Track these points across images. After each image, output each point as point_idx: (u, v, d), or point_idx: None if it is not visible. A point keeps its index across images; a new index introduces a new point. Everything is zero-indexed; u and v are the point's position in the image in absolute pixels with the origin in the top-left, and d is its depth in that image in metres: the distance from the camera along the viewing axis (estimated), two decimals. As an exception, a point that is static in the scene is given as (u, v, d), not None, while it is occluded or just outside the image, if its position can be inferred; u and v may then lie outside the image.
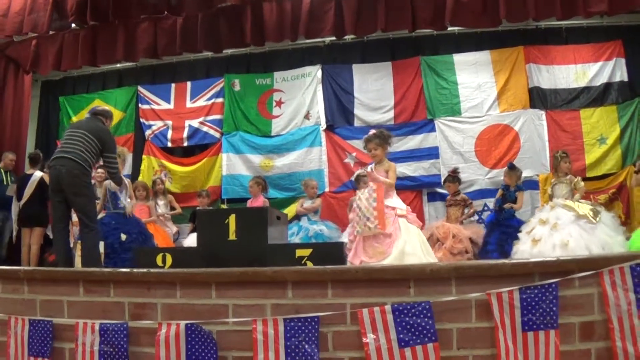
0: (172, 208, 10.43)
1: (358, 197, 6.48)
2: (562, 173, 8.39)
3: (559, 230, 7.54)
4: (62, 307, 3.67)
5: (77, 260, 6.84)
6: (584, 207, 7.76)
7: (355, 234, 6.27)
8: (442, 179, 9.82)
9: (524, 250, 7.64)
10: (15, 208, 9.87)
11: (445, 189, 9.56)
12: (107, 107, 8.29)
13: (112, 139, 7.22)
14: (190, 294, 3.44)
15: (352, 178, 9.76)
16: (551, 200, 8.30)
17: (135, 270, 3.64)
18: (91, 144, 6.76)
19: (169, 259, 5.04)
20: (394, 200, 6.62)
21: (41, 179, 9.58)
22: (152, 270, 3.68)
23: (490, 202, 9.53)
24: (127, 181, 8.51)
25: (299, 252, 4.77)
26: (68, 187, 6.56)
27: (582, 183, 8.34)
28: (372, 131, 7.04)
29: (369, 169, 7.02)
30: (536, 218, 8.06)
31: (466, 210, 9.34)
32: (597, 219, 7.54)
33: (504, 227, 8.67)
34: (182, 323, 3.34)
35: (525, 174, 9.23)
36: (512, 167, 9.04)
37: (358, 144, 10.26)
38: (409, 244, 6.22)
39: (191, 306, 3.41)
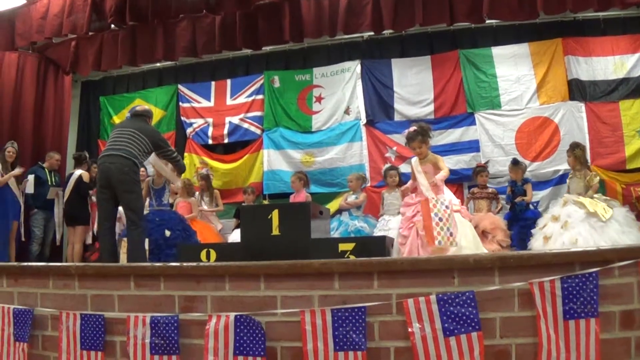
0: (217, 205, 10.47)
1: (432, 203, 6.26)
2: (579, 167, 8.31)
3: (569, 229, 7.50)
4: (112, 301, 3.73)
5: (122, 257, 6.91)
6: (596, 204, 7.67)
7: (437, 244, 6.08)
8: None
9: (537, 247, 7.62)
10: (58, 208, 10.05)
11: (477, 181, 9.45)
12: (146, 106, 8.38)
13: (160, 134, 7.43)
14: (239, 286, 3.48)
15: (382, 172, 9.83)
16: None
17: (185, 264, 3.68)
18: (141, 142, 6.84)
19: (213, 255, 5.27)
20: (446, 195, 6.64)
21: (79, 178, 9.79)
22: (201, 264, 3.72)
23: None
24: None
25: (342, 246, 4.93)
26: (118, 184, 6.61)
27: (597, 179, 8.27)
28: (411, 128, 7.04)
29: (413, 161, 7.05)
30: (549, 213, 8.05)
31: (494, 204, 9.29)
32: (608, 216, 7.46)
33: (522, 221, 8.76)
34: (232, 315, 3.39)
35: (566, 166, 9.14)
36: (515, 163, 9.17)
37: (399, 138, 10.32)
38: (464, 237, 6.30)
39: (240, 298, 3.45)
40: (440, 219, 6.08)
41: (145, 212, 8.12)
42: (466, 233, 6.40)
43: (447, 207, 6.17)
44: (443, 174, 6.69)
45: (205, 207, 10.23)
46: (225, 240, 9.80)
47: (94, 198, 9.25)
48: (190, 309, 3.55)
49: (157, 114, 11.64)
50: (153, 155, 7.23)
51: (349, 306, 3.24)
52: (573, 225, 7.51)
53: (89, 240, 10.04)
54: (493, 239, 8.49)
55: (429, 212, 6.12)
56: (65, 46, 11.12)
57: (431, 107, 10.62)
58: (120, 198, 6.69)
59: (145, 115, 7.33)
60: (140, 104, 10.85)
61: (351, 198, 9.74)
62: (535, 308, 3.08)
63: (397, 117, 10.80)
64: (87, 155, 10.34)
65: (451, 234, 6.10)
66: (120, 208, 7.03)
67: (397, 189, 9.24)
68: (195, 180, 10.69)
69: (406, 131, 7.18)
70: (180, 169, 7.66)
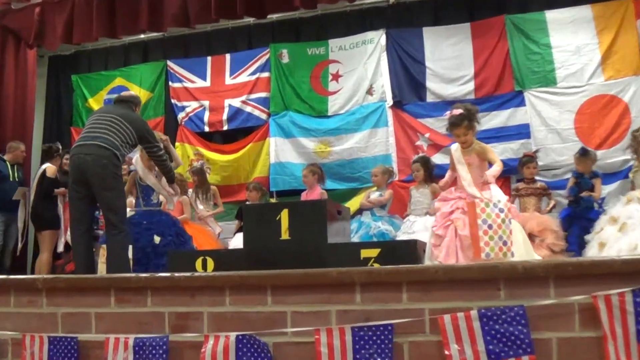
0: (214, 204, 10.51)
1: (481, 207, 6.08)
2: None
3: (628, 232, 7.43)
4: (89, 320, 3.74)
5: (101, 268, 6.99)
6: None
7: (484, 257, 5.95)
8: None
9: (592, 256, 7.46)
10: (22, 211, 10.12)
11: (523, 174, 9.38)
12: (133, 92, 8.41)
13: (148, 126, 7.43)
14: (241, 300, 3.50)
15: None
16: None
17: (177, 274, 3.70)
18: (125, 131, 6.85)
19: (211, 264, 5.29)
20: (494, 191, 6.59)
21: (43, 173, 9.81)
22: (196, 274, 3.78)
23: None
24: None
25: (365, 253, 4.97)
26: (94, 179, 6.58)
27: None
28: (456, 110, 6.94)
29: (453, 149, 7.00)
30: (608, 214, 7.95)
31: (544, 201, 9.20)
32: None
33: (584, 221, 8.60)
34: (233, 335, 3.39)
35: (637, 156, 9.09)
36: (584, 153, 9.05)
37: (432, 122, 10.46)
38: (514, 243, 6.14)
39: (243, 314, 3.47)
40: (490, 226, 5.95)
41: (131, 213, 8.12)
42: (516, 237, 6.29)
43: (501, 210, 6.01)
44: (496, 168, 6.57)
45: (201, 208, 10.29)
46: (225, 247, 9.84)
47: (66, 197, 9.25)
48: (183, 329, 3.56)
49: (143, 96, 11.62)
50: (141, 166, 7.33)
51: (373, 324, 3.25)
52: (633, 227, 7.44)
53: (61, 248, 10.02)
54: (542, 243, 8.44)
55: (476, 217, 6.00)
56: (28, 13, 11.03)
57: (471, 85, 10.60)
58: (98, 196, 6.68)
59: (132, 101, 7.36)
60: (122, 84, 10.86)
61: (374, 195, 9.75)
62: (600, 327, 3.05)
63: (429, 98, 10.80)
64: (60, 147, 10.32)
65: (504, 244, 5.96)
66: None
67: (427, 185, 9.31)
68: (188, 175, 10.75)
69: (448, 114, 7.09)
70: (166, 173, 7.64)
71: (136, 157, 8.31)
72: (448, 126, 7.03)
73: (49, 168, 9.91)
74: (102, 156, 6.61)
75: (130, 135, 6.87)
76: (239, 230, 9.84)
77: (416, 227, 8.79)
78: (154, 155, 7.32)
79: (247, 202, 10.18)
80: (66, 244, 9.87)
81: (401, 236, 8.86)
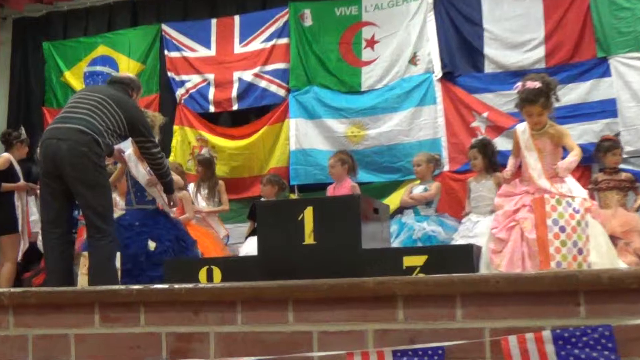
0: (218, 201, 10.54)
1: (551, 204, 5.97)
2: None
3: None
4: (67, 344, 3.70)
5: (82, 281, 6.95)
6: None
7: (554, 266, 5.75)
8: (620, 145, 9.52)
9: None
10: None
11: (604, 162, 9.35)
12: (132, 75, 8.33)
13: (146, 119, 7.43)
14: (256, 317, 3.46)
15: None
16: None
17: (177, 286, 3.65)
18: (113, 117, 6.82)
19: (218, 274, 5.28)
20: (571, 184, 6.59)
21: None
22: (201, 285, 3.77)
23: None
24: None
25: (408, 261, 4.94)
26: (71, 172, 6.54)
27: None
28: (530, 82, 6.88)
29: (520, 130, 7.00)
30: None
31: (630, 196, 9.13)
32: None
33: None
34: (246, 360, 3.45)
35: None
36: None
37: (491, 98, 10.54)
38: (594, 248, 6.09)
39: (258, 335, 3.44)
40: (563, 228, 5.77)
41: (120, 213, 8.28)
42: (597, 241, 6.32)
43: (576, 210, 5.84)
44: (572, 158, 6.63)
45: (203, 205, 10.33)
46: (235, 254, 9.95)
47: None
48: (186, 353, 3.53)
49: (132, 68, 11.84)
50: (135, 160, 7.46)
51: (420, 346, 3.20)
52: None
53: (19, 256, 10.06)
54: (627, 247, 8.41)
55: (545, 217, 5.81)
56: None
57: (541, 52, 10.59)
58: (75, 193, 6.67)
59: (129, 84, 7.38)
60: (106, 54, 11.13)
61: (419, 189, 9.86)
62: None
63: (488, 68, 10.86)
64: (22, 133, 10.37)
65: (579, 252, 5.80)
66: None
67: (489, 175, 9.29)
68: (190, 166, 11.03)
69: (518, 86, 7.06)
70: (163, 178, 7.62)
71: (129, 153, 8.28)
72: (518, 102, 7.02)
73: (4, 157, 9.99)
74: (80, 142, 6.54)
75: (119, 122, 6.85)
76: (251, 234, 9.98)
77: (479, 229, 8.75)
78: (147, 152, 7.31)
79: (262, 199, 10.23)
80: (27, 251, 10.02)
81: (459, 240, 8.89)
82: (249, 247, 9.53)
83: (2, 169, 9.87)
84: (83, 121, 6.63)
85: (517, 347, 3.12)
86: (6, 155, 10.02)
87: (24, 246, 10.01)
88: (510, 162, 7.29)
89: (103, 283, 6.27)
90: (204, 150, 11.06)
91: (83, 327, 3.69)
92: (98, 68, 12.41)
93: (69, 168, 6.54)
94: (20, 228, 9.93)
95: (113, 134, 6.83)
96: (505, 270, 6.30)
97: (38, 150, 7.04)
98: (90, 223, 6.70)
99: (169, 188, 7.68)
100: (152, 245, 7.91)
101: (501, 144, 9.80)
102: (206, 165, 10.60)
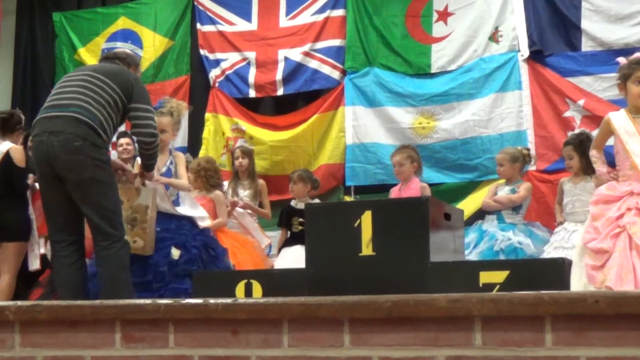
0: (260, 204, 10.36)
1: None
2: None
3: None
4: None
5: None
6: None
7: None
8: None
9: None
10: None
11: None
12: (129, 51, 8.32)
13: (145, 89, 7.13)
14: (306, 339, 3.27)
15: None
16: None
17: (212, 300, 3.41)
18: (112, 97, 6.54)
19: (258, 290, 5.30)
20: None
21: (6, 157, 9.21)
22: (241, 300, 3.64)
23: None
24: (180, 156, 8.37)
25: (486, 277, 4.89)
26: (66, 173, 6.32)
27: None
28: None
29: (612, 118, 6.70)
30: None
31: None
32: None
33: None
34: (294, 392, 3.23)
35: None
36: None
37: (589, 83, 10.23)
38: None
39: None
40: None
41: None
42: None
43: None
44: None
45: (244, 195, 10.15)
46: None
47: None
48: (221, 382, 3.38)
49: (158, 44, 12.05)
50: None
51: (502, 377, 3.00)
52: None
53: (36, 265, 9.51)
54: None
55: None
56: None
57: (649, 26, 10.05)
58: (75, 196, 6.41)
59: (127, 61, 7.17)
60: (126, 27, 11.74)
61: (503, 191, 9.49)
62: None
63: (586, 46, 10.50)
64: (21, 117, 9.82)
65: None
66: None
67: (589, 177, 8.79)
68: (224, 161, 11.13)
69: (621, 59, 6.77)
70: (150, 159, 7.20)
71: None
72: (625, 72, 6.66)
73: (15, 151, 9.36)
74: (74, 135, 6.30)
75: (117, 99, 6.56)
76: (285, 244, 10.01)
77: (576, 240, 8.01)
78: (138, 121, 6.77)
79: (292, 201, 10.14)
80: (42, 259, 9.52)
81: (552, 253, 8.54)
82: (284, 261, 9.55)
83: (23, 166, 9.38)
84: (74, 107, 6.44)
85: (625, 383, 2.88)
86: (19, 147, 9.46)
87: (38, 252, 9.58)
88: (597, 156, 7.02)
89: (115, 298, 5.96)
90: (239, 142, 10.88)
91: (101, 348, 3.55)
92: (118, 44, 12.27)
93: (64, 169, 6.38)
94: (31, 239, 9.51)
95: (113, 115, 6.62)
96: (614, 287, 6.02)
97: (29, 145, 7.26)
98: (97, 228, 6.50)
99: (148, 165, 7.32)
100: (175, 253, 7.77)
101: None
102: (245, 155, 10.26)
